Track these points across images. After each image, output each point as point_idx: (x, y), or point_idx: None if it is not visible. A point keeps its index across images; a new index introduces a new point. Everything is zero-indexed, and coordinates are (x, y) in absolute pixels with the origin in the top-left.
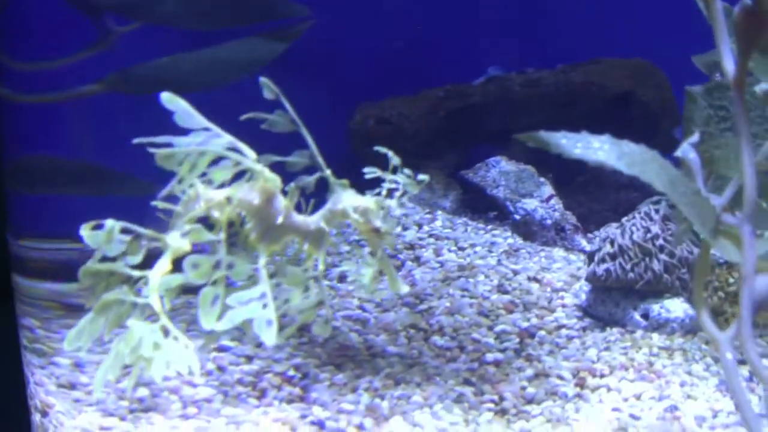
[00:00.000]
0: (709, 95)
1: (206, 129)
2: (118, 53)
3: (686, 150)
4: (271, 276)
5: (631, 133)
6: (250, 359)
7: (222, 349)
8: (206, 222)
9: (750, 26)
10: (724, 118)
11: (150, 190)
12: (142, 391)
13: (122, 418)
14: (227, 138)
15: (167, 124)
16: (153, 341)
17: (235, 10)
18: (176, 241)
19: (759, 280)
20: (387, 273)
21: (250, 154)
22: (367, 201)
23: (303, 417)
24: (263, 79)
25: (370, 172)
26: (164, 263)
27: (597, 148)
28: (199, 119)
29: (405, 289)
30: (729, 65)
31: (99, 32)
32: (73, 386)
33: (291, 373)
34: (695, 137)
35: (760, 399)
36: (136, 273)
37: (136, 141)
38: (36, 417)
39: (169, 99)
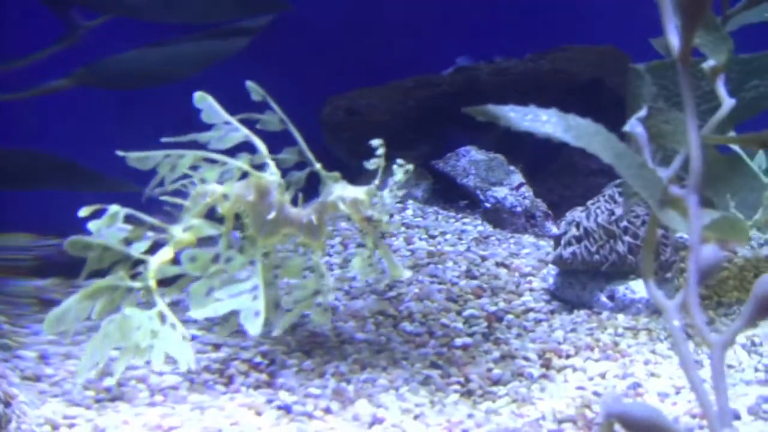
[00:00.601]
0: (654, 73)
1: (227, 123)
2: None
3: (634, 124)
4: (276, 267)
5: (600, 119)
6: (218, 347)
7: (190, 338)
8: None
9: (692, 2)
10: (670, 96)
11: (118, 187)
12: (109, 381)
13: (88, 408)
14: (244, 132)
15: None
16: (150, 329)
17: (213, 4)
18: (180, 233)
19: (705, 250)
20: (386, 259)
21: (262, 148)
22: (357, 191)
23: (269, 402)
24: (250, 83)
25: (372, 164)
26: (167, 252)
27: (545, 121)
28: (222, 114)
29: (407, 273)
30: (674, 41)
31: (67, 27)
32: (38, 378)
33: (258, 359)
34: (643, 112)
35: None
36: (135, 253)
37: (164, 139)
38: None
39: (199, 98)
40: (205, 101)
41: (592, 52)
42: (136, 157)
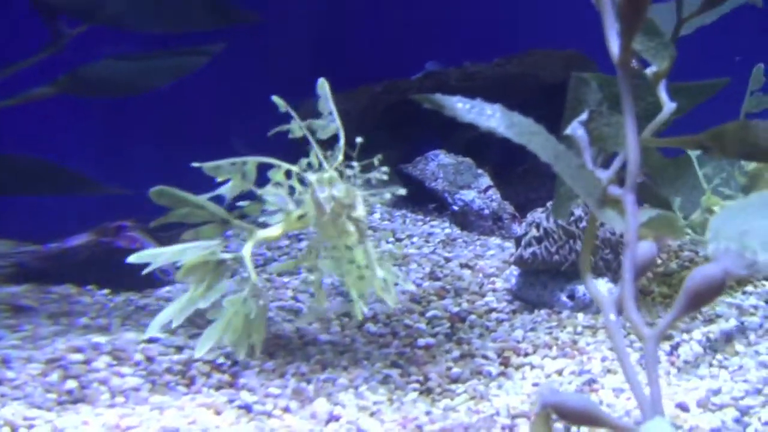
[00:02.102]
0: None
1: (330, 113)
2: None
3: (575, 127)
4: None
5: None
6: (180, 349)
7: (151, 340)
8: None
9: (630, 8)
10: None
11: (106, 191)
12: (71, 383)
13: (49, 410)
14: (337, 124)
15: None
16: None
17: (187, 15)
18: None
19: (641, 246)
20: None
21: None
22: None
23: (230, 401)
24: (275, 98)
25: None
26: (276, 229)
27: (489, 115)
28: (330, 105)
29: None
30: (614, 46)
31: (52, 34)
32: None
33: (221, 360)
34: (584, 116)
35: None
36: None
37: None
38: None
39: (321, 85)
40: (324, 89)
41: (557, 57)
42: (210, 167)
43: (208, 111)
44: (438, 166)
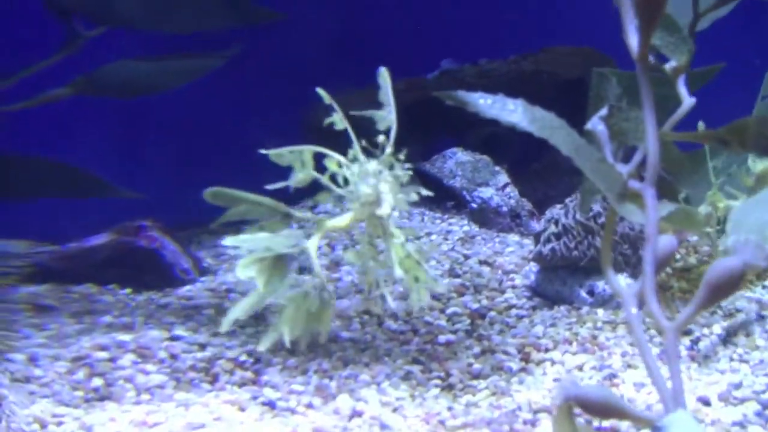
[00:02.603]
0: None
1: (389, 105)
2: None
3: (595, 122)
4: None
5: (582, 116)
6: (203, 347)
7: (174, 338)
8: None
9: (648, 4)
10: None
11: (122, 194)
12: (97, 381)
13: (76, 407)
14: (394, 114)
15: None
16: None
17: (204, 15)
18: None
19: (661, 240)
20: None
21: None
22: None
23: (254, 398)
24: (319, 89)
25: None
26: (344, 219)
27: (511, 111)
28: (390, 98)
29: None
30: (633, 42)
31: (67, 35)
32: (27, 380)
33: (243, 358)
34: (604, 111)
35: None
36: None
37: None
38: None
39: (383, 75)
40: (385, 80)
41: (573, 54)
42: (274, 154)
43: (222, 113)
44: (456, 164)
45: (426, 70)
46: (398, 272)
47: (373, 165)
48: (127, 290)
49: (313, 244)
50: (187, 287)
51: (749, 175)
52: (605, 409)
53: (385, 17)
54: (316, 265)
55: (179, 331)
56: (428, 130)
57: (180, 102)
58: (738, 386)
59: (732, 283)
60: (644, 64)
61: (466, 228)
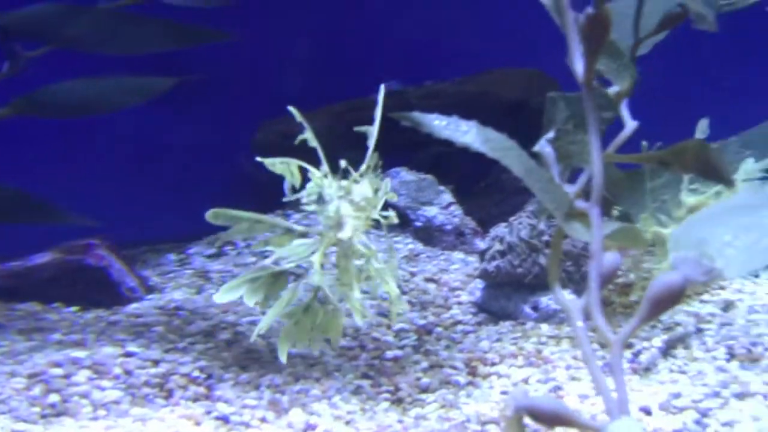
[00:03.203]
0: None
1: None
2: None
3: (543, 145)
4: None
5: (526, 138)
6: (156, 363)
7: (128, 354)
8: None
9: (593, 31)
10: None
11: (67, 219)
12: (54, 397)
13: (34, 423)
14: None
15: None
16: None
17: (148, 37)
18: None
19: (606, 256)
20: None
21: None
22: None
23: (208, 413)
24: (291, 108)
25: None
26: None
27: (464, 131)
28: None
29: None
30: (579, 67)
31: (8, 57)
32: None
33: (196, 374)
34: (550, 134)
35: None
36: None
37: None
38: None
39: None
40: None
41: (517, 75)
42: (269, 162)
43: (171, 129)
44: (400, 183)
45: (370, 91)
46: (356, 294)
47: (334, 187)
48: (74, 308)
49: (317, 259)
50: (135, 305)
51: (680, 208)
52: (555, 418)
53: (330, 40)
54: (319, 277)
55: (132, 348)
56: (373, 149)
57: (122, 121)
58: (677, 396)
59: (673, 297)
60: (589, 89)
61: (410, 246)
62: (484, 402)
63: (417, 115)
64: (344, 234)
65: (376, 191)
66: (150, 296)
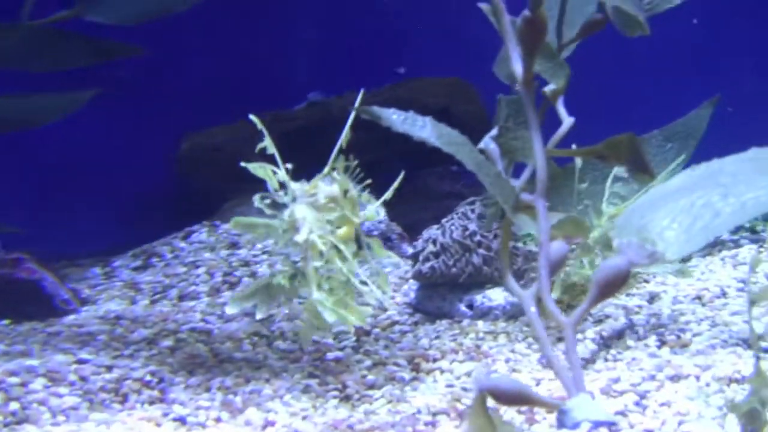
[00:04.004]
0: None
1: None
2: None
3: (487, 142)
4: None
5: None
6: (109, 368)
7: (81, 361)
8: None
9: (530, 34)
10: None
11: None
12: (13, 405)
13: None
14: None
15: None
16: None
17: (69, 53)
18: None
19: (553, 246)
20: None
21: None
22: None
23: (165, 415)
24: (252, 116)
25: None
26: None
27: (421, 126)
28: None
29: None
30: (518, 68)
31: None
32: None
33: (148, 378)
34: (494, 131)
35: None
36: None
37: None
38: None
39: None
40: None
41: (440, 83)
42: (253, 167)
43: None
44: None
45: (293, 102)
46: (315, 295)
47: (296, 189)
48: (6, 321)
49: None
50: (72, 316)
51: (600, 216)
52: (517, 397)
53: (251, 51)
54: (314, 288)
55: (84, 355)
56: (296, 160)
57: (34, 136)
58: (617, 381)
59: (619, 280)
60: (528, 88)
61: None
62: (431, 395)
63: (377, 108)
64: (300, 237)
65: (345, 192)
66: (85, 308)
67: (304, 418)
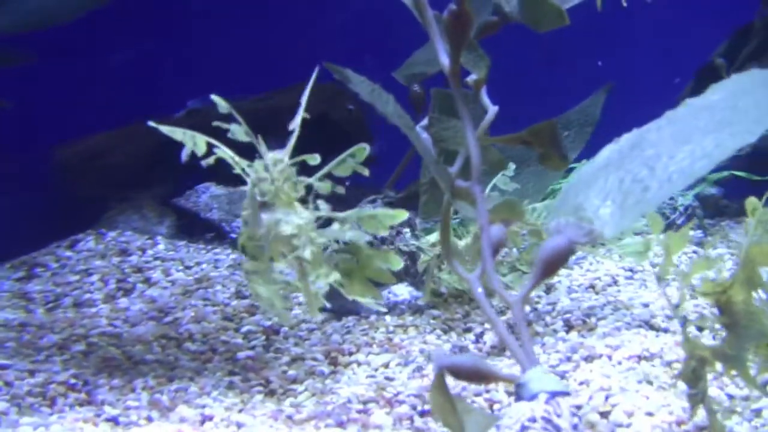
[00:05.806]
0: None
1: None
2: None
3: (419, 131)
4: None
5: (329, 149)
6: (32, 373)
7: (3, 366)
8: None
9: (457, 26)
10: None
11: None
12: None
13: None
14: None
15: None
16: None
17: None
18: None
19: (493, 229)
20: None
21: None
22: None
23: (97, 416)
24: (215, 97)
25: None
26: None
27: (385, 102)
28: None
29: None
30: (445, 60)
31: None
32: None
33: (72, 381)
34: (424, 121)
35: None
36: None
37: None
38: None
39: None
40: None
41: (318, 90)
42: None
43: None
44: (210, 197)
45: (173, 110)
46: (262, 291)
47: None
48: None
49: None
50: None
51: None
52: (476, 374)
53: (131, 58)
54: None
55: (3, 360)
56: (178, 167)
57: None
58: None
59: (561, 258)
60: (456, 80)
61: (233, 255)
62: (355, 386)
63: (349, 72)
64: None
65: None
66: None
67: (240, 411)
